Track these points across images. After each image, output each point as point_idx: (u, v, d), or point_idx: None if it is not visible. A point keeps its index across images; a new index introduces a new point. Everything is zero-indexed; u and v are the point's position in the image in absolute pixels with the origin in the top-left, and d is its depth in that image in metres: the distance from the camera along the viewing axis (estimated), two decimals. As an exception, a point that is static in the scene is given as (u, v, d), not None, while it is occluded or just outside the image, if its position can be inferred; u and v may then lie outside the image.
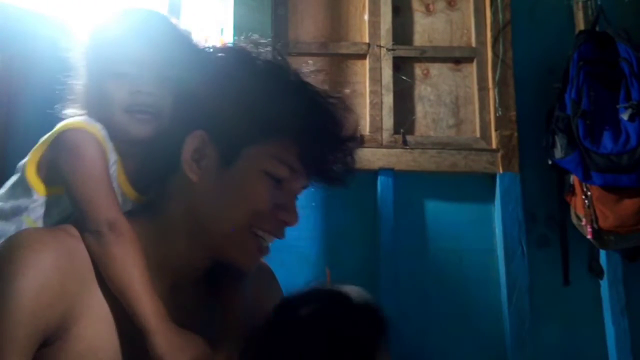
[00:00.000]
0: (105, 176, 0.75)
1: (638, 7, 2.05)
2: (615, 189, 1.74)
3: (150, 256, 0.73)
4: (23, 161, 0.79)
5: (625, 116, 1.76)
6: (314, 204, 1.67)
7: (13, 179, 0.79)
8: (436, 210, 1.93)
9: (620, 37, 1.85)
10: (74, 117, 0.79)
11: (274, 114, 0.70)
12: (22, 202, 0.77)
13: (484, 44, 2.01)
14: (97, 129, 0.77)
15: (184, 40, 0.82)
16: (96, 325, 0.68)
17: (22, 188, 0.78)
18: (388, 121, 1.94)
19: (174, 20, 0.85)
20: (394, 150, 1.91)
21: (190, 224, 0.73)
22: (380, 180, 1.88)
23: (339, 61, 2.00)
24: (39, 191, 0.77)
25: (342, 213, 1.89)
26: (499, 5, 2.01)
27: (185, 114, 0.74)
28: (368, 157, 1.89)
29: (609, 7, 1.95)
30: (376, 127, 1.93)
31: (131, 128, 0.78)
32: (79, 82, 0.82)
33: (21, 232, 0.70)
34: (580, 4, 2.03)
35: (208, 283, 0.80)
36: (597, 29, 1.92)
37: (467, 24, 2.05)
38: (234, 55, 0.77)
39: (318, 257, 1.81)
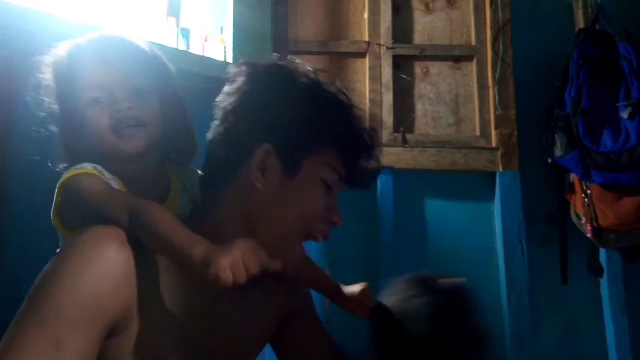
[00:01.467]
0: (108, 188, 0.78)
1: (638, 6, 2.05)
2: (615, 188, 1.74)
3: None
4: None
5: (625, 115, 1.76)
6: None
7: None
8: (436, 209, 1.93)
9: (620, 35, 1.85)
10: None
11: (327, 127, 0.79)
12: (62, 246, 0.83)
13: (484, 42, 2.01)
14: (90, 168, 0.80)
15: (142, 52, 0.86)
16: (157, 318, 0.72)
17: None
18: (388, 120, 1.94)
19: (130, 38, 0.88)
20: (394, 148, 1.91)
21: (244, 229, 0.77)
22: (380, 179, 1.88)
23: (339, 60, 2.00)
24: (66, 235, 0.82)
25: (342, 211, 1.89)
26: (499, 3, 2.01)
27: (244, 129, 0.79)
28: (368, 155, 1.89)
29: (609, 6, 1.95)
30: (376, 126, 1.93)
31: (123, 145, 0.82)
32: (59, 124, 0.84)
33: (89, 229, 0.73)
34: (580, 3, 2.03)
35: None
36: (597, 27, 1.92)
37: (467, 22, 2.05)
38: (279, 72, 0.84)
39: (318, 256, 1.80)
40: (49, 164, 0.85)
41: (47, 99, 0.84)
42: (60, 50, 0.84)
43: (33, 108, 0.84)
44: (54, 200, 0.81)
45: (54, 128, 0.85)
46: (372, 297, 1.00)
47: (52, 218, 0.82)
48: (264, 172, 0.78)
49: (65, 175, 0.80)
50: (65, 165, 0.84)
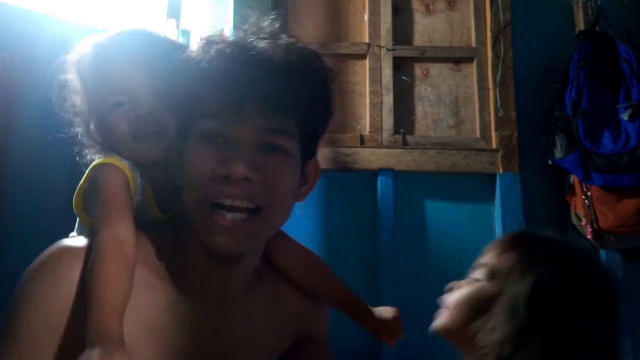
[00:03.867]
0: (124, 203, 0.75)
1: (638, 7, 2.05)
2: (615, 189, 1.74)
3: (176, 270, 0.74)
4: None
5: (625, 116, 1.76)
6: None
7: None
8: (436, 210, 1.93)
9: (620, 37, 1.85)
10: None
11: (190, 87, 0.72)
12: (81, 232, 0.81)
13: (484, 44, 2.01)
14: (119, 160, 0.79)
15: (166, 50, 0.82)
16: (131, 330, 0.67)
17: (79, 220, 0.82)
18: (388, 121, 1.94)
19: (156, 30, 0.86)
20: (394, 150, 1.92)
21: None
22: (380, 180, 1.88)
23: (339, 61, 2.00)
24: (85, 223, 0.80)
25: (342, 213, 1.89)
26: (499, 5, 2.01)
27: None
28: (368, 157, 1.90)
29: (609, 7, 1.95)
30: (376, 127, 1.93)
31: (143, 152, 0.79)
32: (85, 122, 0.83)
33: (55, 245, 0.72)
34: (580, 4, 2.03)
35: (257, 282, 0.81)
36: (597, 29, 1.92)
37: (467, 24, 2.05)
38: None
39: (318, 257, 1.81)
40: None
41: (72, 98, 0.82)
42: (85, 48, 0.82)
43: (57, 109, 0.82)
44: (80, 183, 0.80)
45: (79, 128, 0.83)
46: (402, 326, 0.95)
47: (73, 201, 0.81)
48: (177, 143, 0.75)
49: (100, 160, 0.79)
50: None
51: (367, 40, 1.99)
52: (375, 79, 1.96)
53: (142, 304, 0.70)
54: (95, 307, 0.64)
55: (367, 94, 1.96)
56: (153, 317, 0.71)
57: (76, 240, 0.74)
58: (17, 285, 0.69)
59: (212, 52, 0.71)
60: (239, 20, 1.78)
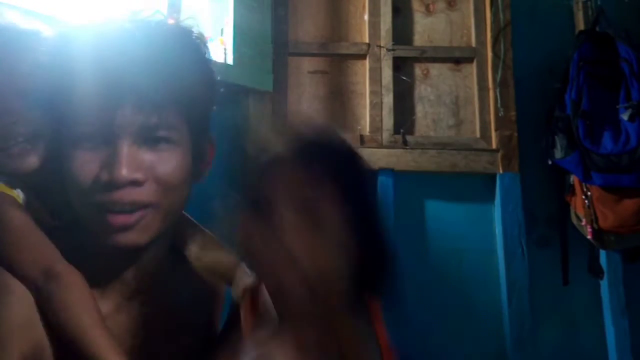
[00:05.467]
0: (27, 225, 0.68)
1: (638, 7, 2.05)
2: (615, 189, 1.74)
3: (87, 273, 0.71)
4: None
5: (625, 116, 1.76)
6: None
7: None
8: (436, 210, 1.93)
9: (620, 37, 1.85)
10: None
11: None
12: None
13: (484, 44, 2.01)
14: (4, 186, 0.69)
15: (22, 39, 0.72)
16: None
17: None
18: (388, 121, 1.94)
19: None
20: (394, 150, 1.91)
21: None
22: (380, 180, 1.88)
23: (339, 61, 2.00)
24: None
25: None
26: (499, 5, 2.01)
27: None
28: (368, 157, 1.88)
29: (609, 8, 1.95)
30: (376, 127, 1.93)
31: (15, 166, 0.69)
32: None
33: None
34: (580, 4, 2.03)
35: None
36: (597, 29, 1.92)
37: (467, 24, 2.05)
38: None
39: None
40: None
41: None
42: None
43: None
44: None
45: None
46: None
47: None
48: None
49: None
50: None
51: (367, 40, 1.99)
52: (375, 79, 1.96)
53: None
54: (93, 346, 0.64)
55: (367, 94, 1.96)
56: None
57: None
58: None
59: (77, 43, 0.67)
60: (239, 20, 1.78)
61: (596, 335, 1.87)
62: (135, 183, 0.65)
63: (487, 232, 1.90)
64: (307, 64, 1.98)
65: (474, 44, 2.02)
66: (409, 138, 1.94)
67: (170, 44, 0.69)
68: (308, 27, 2.01)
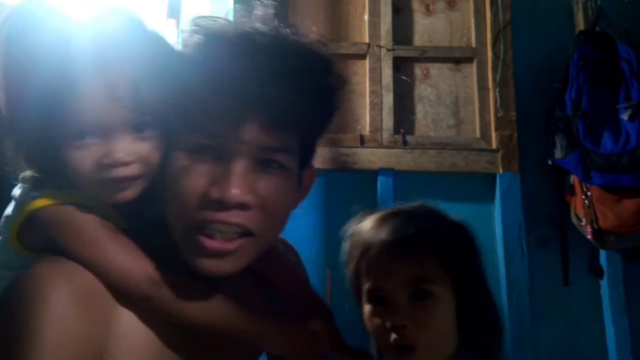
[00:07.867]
0: (109, 233, 0.65)
1: (638, 7, 2.05)
2: (615, 189, 1.74)
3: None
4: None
5: (625, 116, 1.76)
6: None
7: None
8: (436, 210, 1.92)
9: (620, 37, 1.85)
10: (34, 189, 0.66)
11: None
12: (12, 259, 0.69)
13: (484, 44, 2.01)
14: (70, 196, 0.66)
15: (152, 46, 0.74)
16: (129, 346, 0.65)
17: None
18: (388, 121, 1.94)
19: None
20: (394, 150, 1.91)
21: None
22: (380, 180, 1.88)
23: (339, 61, 1.99)
24: (25, 255, 0.68)
25: (342, 213, 1.88)
26: (499, 5, 2.01)
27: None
28: (368, 157, 1.90)
29: (609, 8, 1.95)
30: (376, 127, 1.93)
31: (108, 196, 0.66)
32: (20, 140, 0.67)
33: (34, 268, 0.63)
34: (580, 4, 2.03)
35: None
36: (597, 29, 1.92)
37: (467, 24, 2.05)
38: None
39: (318, 257, 1.80)
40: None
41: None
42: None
43: None
44: (11, 224, 0.66)
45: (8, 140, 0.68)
46: None
47: (7, 239, 0.67)
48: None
49: (43, 200, 0.64)
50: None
51: (367, 40, 1.99)
52: (375, 79, 1.96)
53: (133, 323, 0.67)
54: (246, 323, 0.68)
55: (367, 94, 1.96)
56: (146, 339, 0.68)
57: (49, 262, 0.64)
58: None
59: (211, 46, 0.65)
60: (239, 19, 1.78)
61: (596, 335, 1.87)
62: (244, 206, 0.62)
63: (487, 232, 1.90)
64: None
65: (474, 44, 2.02)
66: (409, 138, 1.94)
67: (307, 65, 0.66)
68: (308, 27, 2.01)
